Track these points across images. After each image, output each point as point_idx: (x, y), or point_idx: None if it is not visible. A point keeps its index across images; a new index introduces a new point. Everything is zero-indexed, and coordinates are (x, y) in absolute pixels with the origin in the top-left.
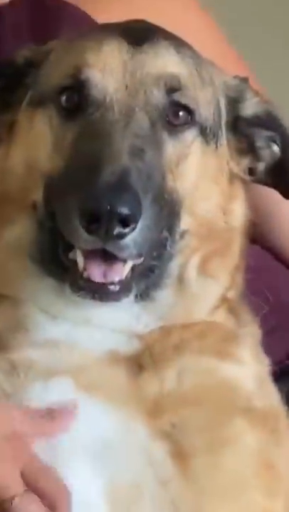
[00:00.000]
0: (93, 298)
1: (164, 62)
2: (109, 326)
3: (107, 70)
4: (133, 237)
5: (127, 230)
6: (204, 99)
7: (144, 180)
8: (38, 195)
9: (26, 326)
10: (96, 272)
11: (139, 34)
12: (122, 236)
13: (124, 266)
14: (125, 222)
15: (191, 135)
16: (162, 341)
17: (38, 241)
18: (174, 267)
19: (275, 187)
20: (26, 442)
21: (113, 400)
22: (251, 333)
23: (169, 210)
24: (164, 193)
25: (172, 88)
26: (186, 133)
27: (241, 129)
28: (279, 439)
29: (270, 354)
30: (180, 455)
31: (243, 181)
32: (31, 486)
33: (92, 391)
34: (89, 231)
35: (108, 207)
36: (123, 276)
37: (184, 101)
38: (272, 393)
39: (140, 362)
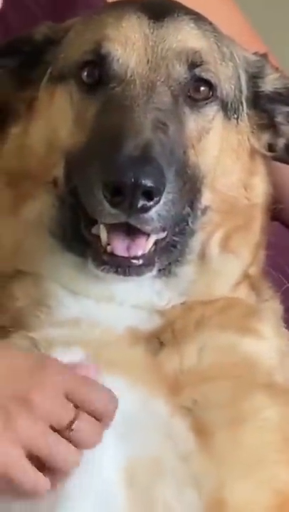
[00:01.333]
0: (116, 272)
1: (185, 36)
2: (131, 302)
3: (129, 44)
4: (157, 211)
5: (151, 203)
6: (225, 75)
7: (167, 154)
8: (58, 172)
9: (48, 303)
10: (119, 246)
11: (159, 9)
12: (146, 209)
13: (147, 240)
14: (149, 194)
15: (212, 110)
16: (184, 317)
17: (59, 217)
18: (196, 242)
19: None
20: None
21: (133, 376)
22: (272, 308)
23: (191, 185)
24: (186, 167)
25: (194, 63)
26: (207, 108)
27: (262, 105)
28: None
29: None
30: (201, 430)
31: (264, 157)
32: (80, 405)
33: (112, 367)
34: (113, 204)
35: (132, 179)
36: (146, 251)
37: (205, 76)
38: None
39: (161, 338)
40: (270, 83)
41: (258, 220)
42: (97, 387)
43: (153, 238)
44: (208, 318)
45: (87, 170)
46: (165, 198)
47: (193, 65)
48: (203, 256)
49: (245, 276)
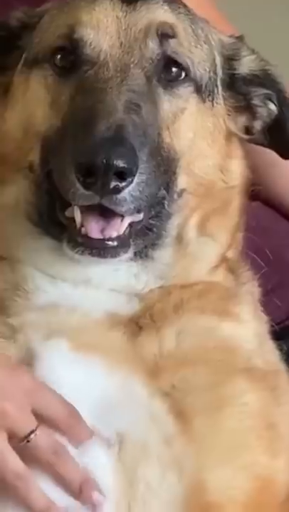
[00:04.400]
0: (91, 254)
1: (157, 14)
2: (108, 285)
3: (101, 28)
4: (130, 191)
5: (123, 183)
6: (199, 57)
7: (140, 135)
8: (34, 156)
9: (25, 288)
10: (94, 228)
11: None
12: (118, 190)
13: (121, 222)
14: (121, 175)
15: (186, 91)
16: (162, 301)
17: (35, 202)
18: (172, 226)
19: (272, 147)
20: (27, 372)
21: (112, 360)
22: (250, 291)
23: (165, 167)
24: (160, 149)
25: (165, 34)
26: (180, 88)
27: (238, 87)
28: (279, 397)
29: (270, 313)
30: (181, 414)
31: (241, 140)
32: (41, 417)
33: (90, 351)
34: (85, 185)
35: (104, 160)
36: (121, 232)
37: (177, 57)
38: (271, 351)
39: (139, 323)
40: (246, 65)
41: (235, 203)
42: (57, 399)
43: (127, 220)
44: (187, 302)
45: (60, 153)
46: (138, 178)
47: (165, 37)
48: (180, 239)
49: (223, 259)
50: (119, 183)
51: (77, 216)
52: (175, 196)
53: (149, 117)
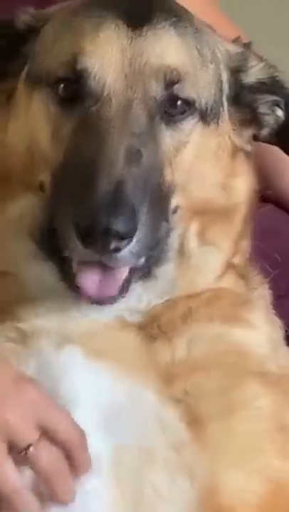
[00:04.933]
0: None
1: (164, 50)
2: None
3: (106, 59)
4: (130, 249)
5: (123, 243)
6: (205, 81)
7: (140, 187)
8: (44, 177)
9: (32, 299)
10: (90, 286)
11: (139, 12)
12: (118, 250)
13: (120, 276)
14: (121, 237)
15: (189, 124)
16: (168, 313)
17: (41, 221)
18: (172, 240)
19: (279, 145)
20: (36, 385)
21: (124, 364)
22: (262, 295)
23: (164, 202)
24: (161, 188)
25: (171, 81)
26: (184, 122)
27: (244, 99)
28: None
29: (282, 317)
30: (193, 421)
31: (247, 154)
32: (46, 433)
33: (102, 356)
34: (85, 244)
35: (103, 225)
36: (117, 292)
37: (182, 95)
38: (285, 356)
39: (150, 332)
40: (253, 75)
41: (238, 215)
42: (67, 420)
43: (127, 269)
44: (196, 311)
45: (61, 203)
46: (138, 235)
47: (170, 83)
48: (182, 251)
49: (229, 265)
50: (119, 244)
51: (74, 268)
52: (170, 215)
53: (150, 160)
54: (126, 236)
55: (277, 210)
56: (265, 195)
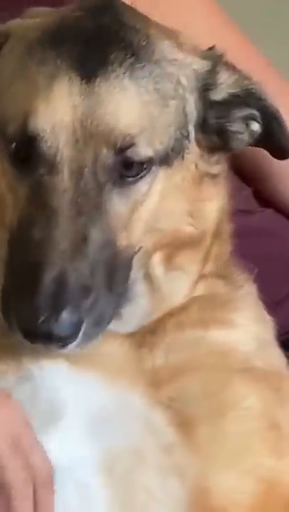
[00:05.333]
0: (34, 341)
1: (116, 109)
2: None
3: (58, 121)
4: (82, 333)
5: (69, 341)
6: (165, 125)
7: (89, 272)
8: (4, 233)
9: None
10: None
11: (93, 58)
12: (65, 345)
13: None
14: (65, 340)
15: (146, 182)
16: (139, 332)
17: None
18: (135, 275)
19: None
20: (15, 402)
21: (110, 372)
22: (249, 292)
23: (122, 266)
24: (116, 256)
25: (124, 146)
26: (140, 183)
27: (213, 119)
28: (283, 399)
29: (283, 322)
30: (183, 424)
31: (214, 176)
32: (18, 459)
33: (87, 365)
34: (28, 340)
35: (43, 330)
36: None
37: (137, 157)
38: (274, 354)
39: (135, 339)
40: (224, 90)
41: (207, 238)
42: (40, 451)
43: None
44: (168, 322)
45: (10, 276)
46: (89, 319)
47: (123, 149)
48: (149, 281)
49: (200, 277)
50: (64, 344)
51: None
52: (130, 270)
53: (101, 238)
54: (71, 339)
55: (279, 215)
56: (266, 199)
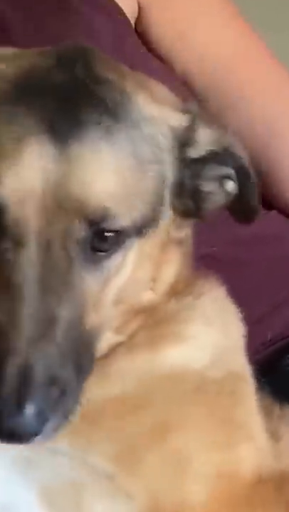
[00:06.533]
0: None
1: (89, 178)
2: None
3: (27, 191)
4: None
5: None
6: (143, 192)
7: (57, 361)
8: None
9: None
10: None
11: (66, 118)
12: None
13: None
14: (30, 436)
15: (119, 255)
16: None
17: None
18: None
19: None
20: None
21: None
22: (209, 299)
23: (89, 346)
24: (84, 338)
25: (98, 220)
26: (113, 257)
27: (188, 180)
28: (237, 399)
29: (282, 327)
30: (125, 456)
31: (179, 240)
32: None
33: None
34: None
35: (6, 429)
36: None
37: (111, 229)
38: (233, 359)
39: None
40: (202, 147)
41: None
42: None
43: None
44: (115, 350)
45: None
46: (53, 416)
47: (96, 222)
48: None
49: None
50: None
51: None
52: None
53: (69, 320)
54: (35, 435)
55: (281, 217)
56: (268, 201)
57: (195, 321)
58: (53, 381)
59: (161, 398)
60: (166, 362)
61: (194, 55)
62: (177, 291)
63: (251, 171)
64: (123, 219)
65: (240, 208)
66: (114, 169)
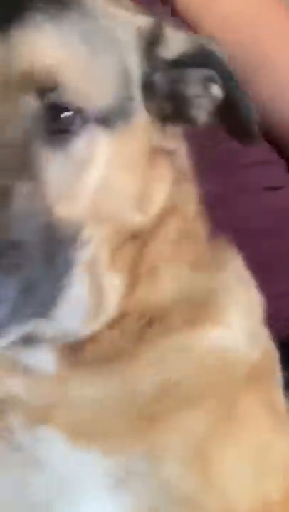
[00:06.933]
0: None
1: (33, 52)
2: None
3: None
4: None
5: None
6: (97, 78)
7: (16, 230)
8: None
9: None
10: None
11: (8, 10)
12: None
13: None
14: None
15: (83, 140)
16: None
17: None
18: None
19: (226, 130)
20: None
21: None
22: (231, 276)
23: (61, 245)
24: (55, 231)
25: (44, 89)
26: (75, 142)
27: (163, 82)
28: (274, 380)
29: (280, 320)
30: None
31: (169, 152)
32: None
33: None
34: None
35: None
36: None
37: (62, 103)
38: (262, 335)
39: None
40: (174, 48)
41: (157, 232)
42: None
43: None
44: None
45: None
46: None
47: (43, 92)
48: (91, 281)
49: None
50: None
51: None
52: (72, 260)
53: (28, 197)
54: None
55: None
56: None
57: (228, 299)
58: (13, 248)
59: (216, 386)
60: (211, 344)
61: (217, 19)
62: (201, 265)
63: (233, 71)
64: (76, 96)
65: (235, 122)
66: (59, 44)
